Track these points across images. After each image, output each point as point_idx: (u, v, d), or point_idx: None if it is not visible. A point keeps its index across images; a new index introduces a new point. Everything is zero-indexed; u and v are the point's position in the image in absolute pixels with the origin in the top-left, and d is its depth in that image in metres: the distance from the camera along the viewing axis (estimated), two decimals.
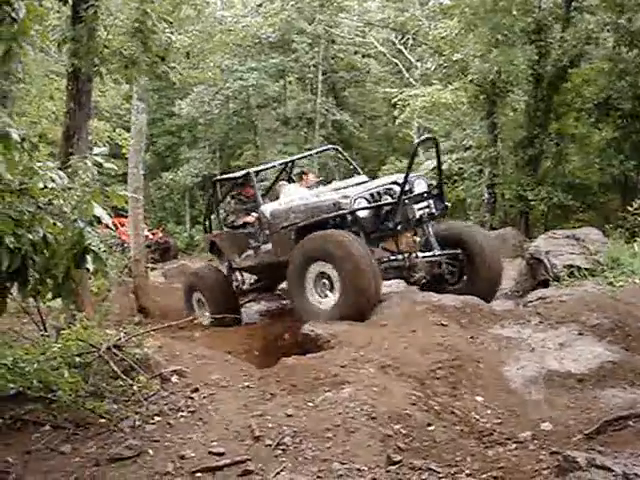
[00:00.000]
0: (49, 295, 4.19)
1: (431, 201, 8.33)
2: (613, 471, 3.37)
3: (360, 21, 31.43)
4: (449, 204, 8.80)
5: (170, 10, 8.03)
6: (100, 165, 3.39)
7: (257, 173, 10.45)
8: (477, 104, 19.89)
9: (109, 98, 16.12)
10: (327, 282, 7.63)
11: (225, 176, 11.61)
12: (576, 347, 5.96)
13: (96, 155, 3.45)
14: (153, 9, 6.55)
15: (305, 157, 11.19)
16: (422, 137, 8.51)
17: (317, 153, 11.22)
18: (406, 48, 29.90)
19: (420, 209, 8.21)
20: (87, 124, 7.37)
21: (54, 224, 3.16)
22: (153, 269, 17.88)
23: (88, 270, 3.39)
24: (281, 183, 10.83)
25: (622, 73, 16.94)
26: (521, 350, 6.03)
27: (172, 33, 7.00)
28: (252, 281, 10.94)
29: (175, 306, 11.83)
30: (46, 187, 3.19)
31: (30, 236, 3.11)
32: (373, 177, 10.80)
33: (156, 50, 6.85)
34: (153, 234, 26.01)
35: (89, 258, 3.33)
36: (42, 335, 6.33)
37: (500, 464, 3.98)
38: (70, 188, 3.21)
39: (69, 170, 3.38)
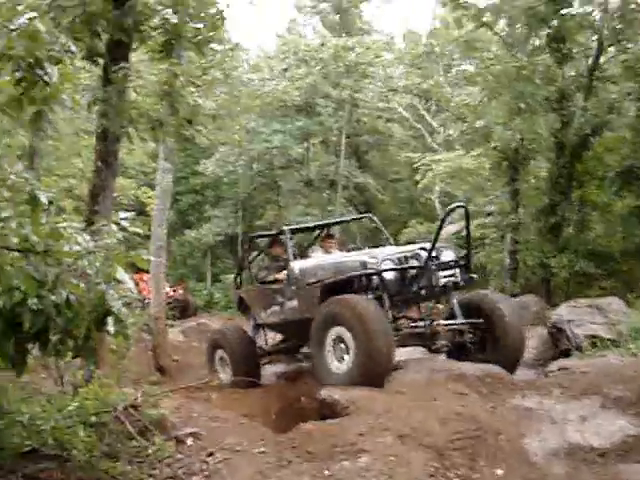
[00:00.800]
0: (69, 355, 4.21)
1: (457, 270, 8.32)
2: None
3: (384, 87, 31.86)
4: (475, 275, 8.75)
5: (198, 73, 8.19)
6: (124, 230, 3.43)
7: (293, 232, 10.53)
8: (499, 171, 19.95)
9: (135, 156, 16.39)
10: (344, 346, 7.59)
11: (260, 233, 11.70)
12: (598, 420, 5.86)
13: (122, 219, 3.50)
14: (182, 72, 6.70)
15: (341, 222, 11.28)
16: (454, 205, 8.49)
17: (353, 220, 11.28)
18: (429, 113, 30.26)
19: (445, 277, 8.19)
20: (113, 183, 7.48)
21: (77, 286, 3.18)
22: (172, 326, 17.88)
23: (109, 332, 3.41)
24: (313, 248, 10.90)
25: None
26: (542, 422, 5.93)
27: (199, 96, 7.13)
28: (276, 342, 10.90)
29: (193, 365, 11.81)
30: (71, 249, 3.24)
31: (53, 297, 3.14)
32: (395, 241, 10.83)
33: (184, 113, 6.98)
34: (174, 291, 26.11)
35: (110, 320, 3.35)
36: (59, 391, 6.31)
37: None
38: (94, 251, 3.25)
39: (93, 230, 3.43)
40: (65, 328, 3.25)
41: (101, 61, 7.34)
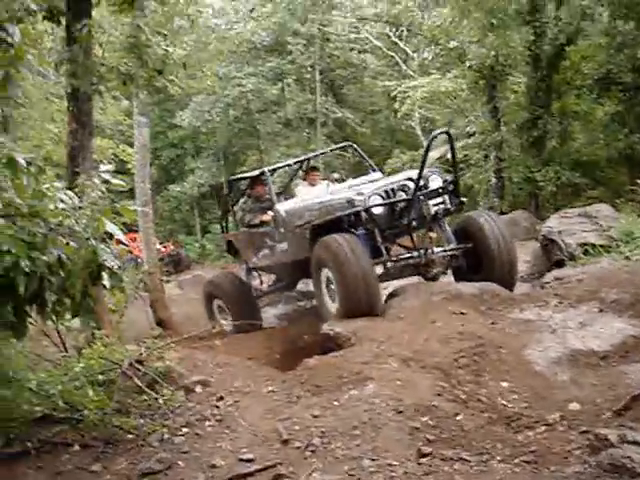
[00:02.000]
0: (68, 315, 4.23)
1: (446, 197, 8.30)
2: None
3: (353, 17, 31.38)
4: (464, 199, 8.74)
5: (163, 23, 8.00)
6: (107, 182, 3.40)
7: (272, 172, 10.46)
8: (477, 90, 19.80)
9: (110, 115, 16.18)
10: (333, 287, 7.65)
11: (240, 175, 11.60)
12: (597, 324, 5.92)
13: (103, 172, 3.46)
14: (146, 23, 6.56)
15: (320, 155, 11.14)
16: (437, 131, 8.44)
17: (333, 150, 11.14)
18: (401, 40, 29.82)
19: (435, 205, 8.17)
20: (90, 143, 7.38)
21: (67, 244, 3.16)
22: (168, 281, 17.94)
23: (105, 287, 3.40)
24: (296, 182, 10.84)
25: (620, 46, 16.80)
26: (542, 332, 6.00)
27: (167, 46, 7.00)
28: (271, 282, 10.94)
29: (193, 316, 11.86)
30: (56, 208, 3.21)
31: (45, 258, 3.12)
32: (380, 172, 10.73)
33: (153, 64, 6.86)
34: (165, 247, 26.12)
35: (105, 275, 3.34)
36: (63, 356, 6.34)
37: (531, 448, 3.96)
38: (80, 207, 3.22)
39: (77, 189, 3.39)
40: (61, 287, 3.24)
41: (64, 21, 7.18)
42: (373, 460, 3.90)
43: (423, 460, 3.86)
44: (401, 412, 4.43)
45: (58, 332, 6.58)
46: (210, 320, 10.56)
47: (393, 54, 30.19)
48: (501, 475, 3.60)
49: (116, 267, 3.37)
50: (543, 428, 4.28)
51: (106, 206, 3.32)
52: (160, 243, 28.69)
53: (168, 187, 34.01)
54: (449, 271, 8.61)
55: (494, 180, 19.55)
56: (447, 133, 8.32)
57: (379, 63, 33.63)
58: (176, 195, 33.99)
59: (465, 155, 20.43)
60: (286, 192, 11.06)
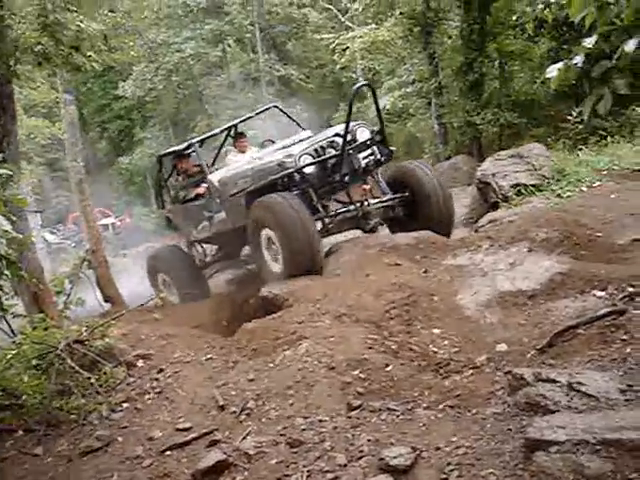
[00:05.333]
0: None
1: (375, 148, 8.34)
2: (558, 382, 3.48)
3: None
4: (394, 148, 8.78)
5: None
6: None
7: (200, 143, 10.37)
8: (413, 37, 19.75)
9: (42, 93, 15.87)
10: (275, 247, 7.68)
11: (168, 150, 11.48)
12: (526, 264, 6.04)
13: None
14: (53, 1, 6.42)
15: (247, 119, 11.07)
16: (357, 85, 8.46)
17: (258, 114, 11.07)
18: None
19: (365, 157, 8.22)
20: (14, 127, 7.25)
21: None
22: (124, 255, 17.85)
23: (7, 276, 3.40)
24: (227, 149, 10.77)
25: None
26: (473, 276, 6.12)
27: (81, 21, 6.86)
28: (214, 252, 10.94)
29: (144, 291, 11.82)
30: None
31: None
32: (328, 127, 10.71)
33: (68, 41, 6.73)
34: (120, 220, 25.92)
35: (2, 265, 3.33)
36: (12, 342, 6.31)
37: (456, 392, 4.09)
38: None
39: None
40: None
41: None
42: (305, 418, 3.99)
43: (352, 413, 3.96)
44: (333, 368, 4.52)
45: (5, 319, 6.54)
46: (156, 294, 10.54)
47: (331, 7, 29.91)
48: (425, 422, 3.71)
49: (11, 255, 3.36)
50: (470, 372, 4.41)
51: None
52: (116, 217, 28.52)
53: (118, 160, 33.60)
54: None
55: (436, 127, 19.64)
56: (368, 84, 8.38)
57: (320, 17, 33.31)
58: (127, 167, 33.60)
59: (404, 104, 20.47)
60: (218, 163, 10.99)
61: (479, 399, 3.94)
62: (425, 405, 3.98)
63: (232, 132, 10.85)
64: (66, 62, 6.96)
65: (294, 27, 33.78)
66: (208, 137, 10.98)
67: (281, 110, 10.88)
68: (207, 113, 32.02)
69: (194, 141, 10.10)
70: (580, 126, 11.30)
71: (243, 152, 10.11)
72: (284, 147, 9.26)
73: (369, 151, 8.23)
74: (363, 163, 8.10)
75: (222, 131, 10.96)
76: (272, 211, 7.50)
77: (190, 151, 10.19)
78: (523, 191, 8.98)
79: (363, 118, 17.33)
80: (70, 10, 6.69)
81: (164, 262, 10.50)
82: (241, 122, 10.92)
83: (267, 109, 11.34)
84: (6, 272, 3.35)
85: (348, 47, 23.13)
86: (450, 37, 19.65)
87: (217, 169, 9.95)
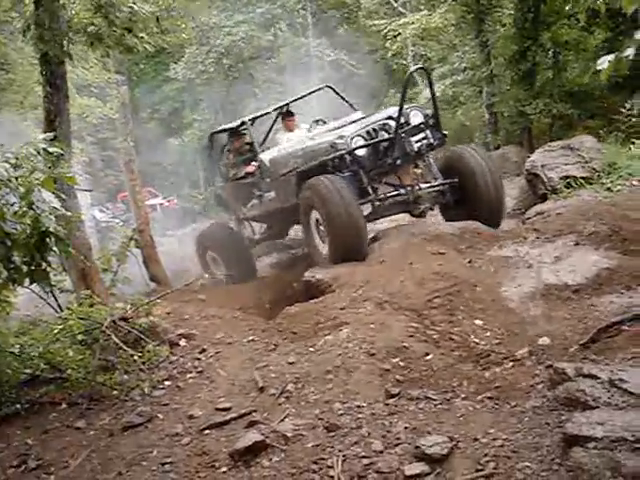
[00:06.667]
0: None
1: (428, 132, 8.27)
2: (599, 378, 3.43)
3: None
4: (447, 132, 8.68)
5: None
6: (45, 151, 3.43)
7: (252, 121, 10.41)
8: (465, 24, 19.50)
9: (94, 73, 16.04)
10: (323, 228, 7.69)
11: (221, 127, 11.55)
12: (572, 258, 5.99)
13: (39, 142, 3.49)
14: None
15: (299, 99, 11.06)
16: (412, 68, 8.41)
17: (310, 94, 11.05)
18: None
19: (418, 141, 8.16)
20: (66, 106, 7.36)
21: (2, 213, 3.21)
22: (172, 236, 18.04)
23: (54, 252, 3.47)
24: (278, 128, 10.80)
25: None
26: (518, 268, 6.07)
27: (134, 3, 6.93)
28: (262, 230, 11.01)
29: (190, 270, 11.95)
30: None
31: None
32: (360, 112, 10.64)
33: (120, 22, 6.82)
34: (168, 201, 26.16)
35: (50, 241, 3.40)
36: (58, 317, 6.45)
37: (496, 384, 4.08)
38: (16, 177, 3.26)
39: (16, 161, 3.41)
40: (5, 256, 3.30)
41: None
42: (343, 403, 4.01)
43: (390, 401, 3.98)
44: (373, 355, 4.53)
45: (53, 295, 6.68)
46: (205, 272, 10.65)
47: None
48: (462, 412, 3.71)
49: (61, 232, 3.43)
50: (511, 364, 4.38)
51: (46, 175, 3.36)
52: (164, 197, 28.82)
53: (169, 141, 33.89)
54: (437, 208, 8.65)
55: (487, 116, 19.38)
56: (424, 69, 8.31)
57: (373, 2, 33.03)
58: (177, 149, 33.89)
59: (454, 92, 20.24)
60: (269, 141, 11.03)
61: (518, 392, 3.91)
62: (464, 395, 3.97)
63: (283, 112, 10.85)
64: (119, 43, 7.04)
65: (346, 12, 33.53)
66: (261, 116, 11.02)
67: (334, 90, 10.80)
68: (256, 97, 32.06)
69: (247, 119, 10.14)
70: (633, 119, 11.05)
71: (291, 131, 10.12)
72: (336, 128, 9.21)
73: (422, 135, 8.15)
74: (415, 147, 8.02)
75: (274, 110, 10.97)
76: (318, 193, 7.52)
77: (242, 129, 10.23)
78: (572, 183, 8.84)
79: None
80: None
81: (213, 239, 10.60)
82: (294, 101, 10.92)
83: (320, 89, 11.32)
84: (55, 249, 3.42)
85: (400, 33, 22.91)
86: (503, 25, 19.31)
87: (268, 148, 9.99)
